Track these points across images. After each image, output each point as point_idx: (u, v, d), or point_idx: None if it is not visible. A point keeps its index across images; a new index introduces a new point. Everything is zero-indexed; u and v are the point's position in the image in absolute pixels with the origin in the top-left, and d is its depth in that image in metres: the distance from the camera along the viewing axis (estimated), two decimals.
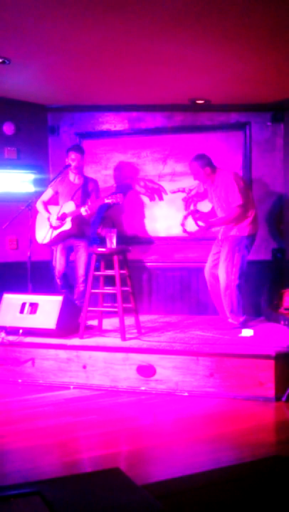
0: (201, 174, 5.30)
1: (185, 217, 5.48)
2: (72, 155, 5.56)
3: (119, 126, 6.46)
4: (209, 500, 2.60)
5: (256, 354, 4.37)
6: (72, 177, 5.66)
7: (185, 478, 2.96)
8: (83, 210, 5.33)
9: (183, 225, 5.44)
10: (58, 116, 6.51)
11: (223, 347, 4.57)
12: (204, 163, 5.26)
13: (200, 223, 5.30)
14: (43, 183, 6.13)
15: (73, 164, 5.57)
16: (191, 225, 5.54)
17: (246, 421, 3.95)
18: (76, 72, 5.13)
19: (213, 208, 5.49)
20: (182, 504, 2.55)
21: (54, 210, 5.61)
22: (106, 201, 5.26)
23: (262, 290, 6.17)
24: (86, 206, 5.33)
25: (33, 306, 5.08)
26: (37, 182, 6.25)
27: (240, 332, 5.01)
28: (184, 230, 5.44)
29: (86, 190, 5.62)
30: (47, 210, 5.63)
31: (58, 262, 5.65)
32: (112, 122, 6.48)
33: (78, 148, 5.68)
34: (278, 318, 5.48)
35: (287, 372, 4.31)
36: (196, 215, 5.40)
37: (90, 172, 6.21)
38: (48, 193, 5.71)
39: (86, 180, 5.69)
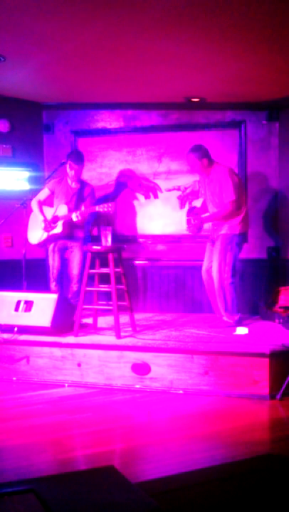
0: (198, 166, 5.25)
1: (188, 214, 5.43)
2: (71, 164, 5.51)
3: (114, 124, 6.45)
4: (204, 497, 2.61)
5: (251, 352, 4.38)
6: (69, 181, 5.64)
7: (179, 476, 2.96)
8: (74, 216, 5.32)
9: (188, 222, 5.35)
10: (53, 114, 6.50)
11: (218, 345, 4.58)
12: (201, 155, 5.22)
13: (192, 221, 5.25)
14: (38, 181, 6.13)
15: (71, 173, 5.54)
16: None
17: (241, 419, 3.96)
18: (71, 70, 5.12)
19: (204, 202, 5.48)
20: (177, 502, 2.56)
21: (48, 211, 5.60)
22: (97, 209, 5.18)
23: (257, 288, 6.18)
24: (78, 212, 5.31)
25: (28, 304, 5.08)
26: (32, 180, 6.24)
27: (235, 330, 5.03)
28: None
29: (82, 195, 5.60)
30: (41, 212, 5.60)
31: (53, 263, 5.64)
32: (108, 120, 6.47)
33: (78, 159, 5.53)
34: (273, 317, 5.49)
35: (282, 371, 4.32)
36: (193, 211, 5.39)
37: (84, 170, 6.13)
38: (45, 193, 5.69)
39: (83, 185, 5.67)
